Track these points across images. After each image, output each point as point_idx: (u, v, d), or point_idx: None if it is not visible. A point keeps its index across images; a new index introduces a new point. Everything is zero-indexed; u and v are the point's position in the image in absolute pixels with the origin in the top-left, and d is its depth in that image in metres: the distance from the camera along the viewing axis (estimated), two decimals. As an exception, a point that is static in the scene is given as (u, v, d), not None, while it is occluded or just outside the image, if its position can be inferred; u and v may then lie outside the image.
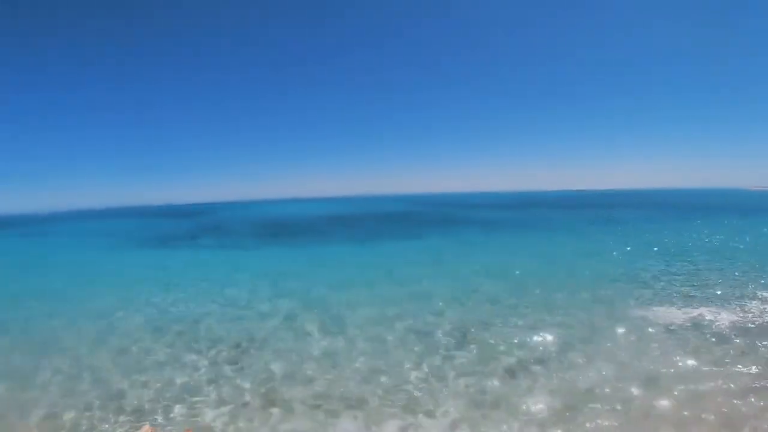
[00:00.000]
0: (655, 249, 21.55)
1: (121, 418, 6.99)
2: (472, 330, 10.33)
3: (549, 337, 9.68)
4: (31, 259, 31.62)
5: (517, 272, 16.70)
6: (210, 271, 21.42)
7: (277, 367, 8.73)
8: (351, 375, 8.30)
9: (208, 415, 7.00)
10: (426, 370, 8.35)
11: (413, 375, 8.15)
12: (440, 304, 12.77)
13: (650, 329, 9.94)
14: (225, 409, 7.23)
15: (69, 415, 7.15)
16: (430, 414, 6.78)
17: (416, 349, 9.39)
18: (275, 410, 7.11)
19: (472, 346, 9.44)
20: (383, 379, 8.05)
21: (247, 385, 8.03)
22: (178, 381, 8.32)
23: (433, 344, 9.65)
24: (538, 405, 6.85)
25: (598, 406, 6.73)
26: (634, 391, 7.16)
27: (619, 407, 6.66)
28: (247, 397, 7.59)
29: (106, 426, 6.80)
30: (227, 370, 8.77)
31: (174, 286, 16.87)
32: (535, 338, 9.71)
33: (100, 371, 8.94)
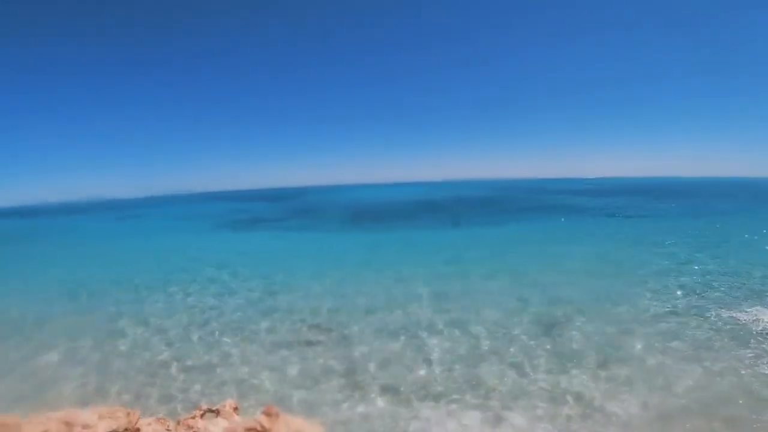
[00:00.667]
0: None
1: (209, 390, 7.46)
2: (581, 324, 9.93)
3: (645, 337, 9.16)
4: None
5: (628, 265, 15.58)
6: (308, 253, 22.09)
7: (363, 351, 8.91)
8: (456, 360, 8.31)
9: (293, 396, 7.26)
10: (510, 365, 8.19)
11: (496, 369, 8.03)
12: (538, 291, 12.40)
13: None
14: (307, 389, 7.53)
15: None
16: (511, 407, 6.75)
17: (514, 342, 9.21)
18: (359, 393, 7.31)
19: (569, 338, 9.18)
20: (461, 367, 8.05)
21: (333, 365, 8.38)
22: (273, 362, 8.67)
23: (521, 335, 9.45)
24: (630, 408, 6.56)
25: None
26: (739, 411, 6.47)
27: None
28: (329, 379, 7.85)
29: (196, 393, 7.25)
30: (309, 350, 9.06)
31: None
32: (630, 339, 9.12)
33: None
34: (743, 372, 7.39)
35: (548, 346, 8.77)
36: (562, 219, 32.29)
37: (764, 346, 8.28)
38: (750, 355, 7.94)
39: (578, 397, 6.87)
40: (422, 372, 7.99)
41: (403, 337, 9.54)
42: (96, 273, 18.38)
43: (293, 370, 8.22)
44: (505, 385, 7.41)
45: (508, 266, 15.91)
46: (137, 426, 3.30)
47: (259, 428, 3.94)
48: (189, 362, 8.81)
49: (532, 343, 8.99)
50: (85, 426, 3.14)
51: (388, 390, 7.37)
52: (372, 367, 8.24)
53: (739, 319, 9.64)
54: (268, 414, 4.03)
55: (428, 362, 8.38)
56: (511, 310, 10.99)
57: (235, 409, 3.76)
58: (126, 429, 3.22)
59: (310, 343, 9.42)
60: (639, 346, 8.57)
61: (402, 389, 7.40)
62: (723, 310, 10.21)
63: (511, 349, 8.71)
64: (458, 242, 23.55)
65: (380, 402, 7.03)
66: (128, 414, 3.26)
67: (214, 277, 16.09)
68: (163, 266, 19.31)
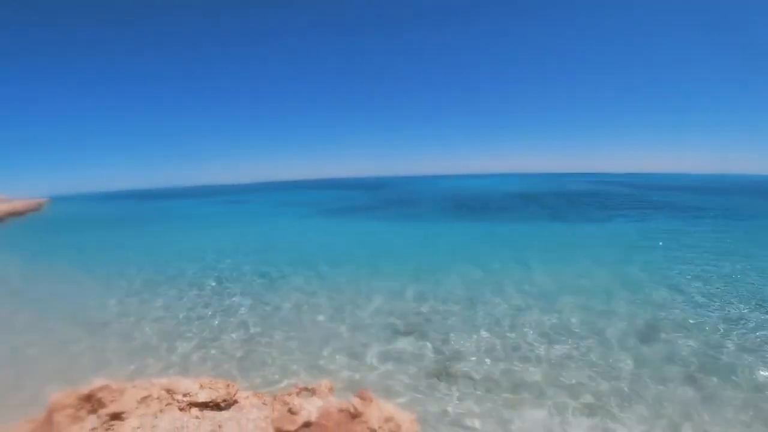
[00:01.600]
0: None
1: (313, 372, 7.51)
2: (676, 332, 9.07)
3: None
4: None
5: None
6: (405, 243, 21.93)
7: (463, 345, 8.62)
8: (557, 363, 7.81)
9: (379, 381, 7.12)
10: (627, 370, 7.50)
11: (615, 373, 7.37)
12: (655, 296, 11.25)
13: None
14: (401, 378, 7.37)
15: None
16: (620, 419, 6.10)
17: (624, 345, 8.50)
18: (452, 388, 7.04)
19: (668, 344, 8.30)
20: (576, 372, 7.45)
21: (428, 354, 8.25)
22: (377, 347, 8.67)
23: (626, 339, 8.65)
24: None
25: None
26: None
27: None
28: (422, 370, 7.63)
29: (292, 371, 7.29)
30: (407, 339, 8.90)
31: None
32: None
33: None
34: None
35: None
36: (676, 218, 28.16)
37: None
38: None
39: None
40: (523, 370, 7.49)
41: (504, 333, 9.03)
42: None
43: (388, 358, 8.12)
44: (603, 387, 6.79)
45: (623, 269, 14.23)
46: (235, 398, 3.28)
47: (352, 410, 3.84)
48: (293, 338, 9.11)
49: (629, 360, 8.09)
50: (186, 394, 3.16)
51: (485, 386, 7.00)
52: (471, 362, 7.90)
53: None
54: (362, 397, 3.91)
55: (527, 360, 7.86)
56: (626, 318, 9.93)
57: (330, 389, 3.64)
58: (224, 400, 3.22)
59: (408, 332, 9.26)
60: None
61: (501, 386, 6.98)
62: None
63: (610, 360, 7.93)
64: (562, 237, 22.01)
65: (476, 398, 6.67)
66: (228, 386, 3.25)
67: (311, 263, 16.15)
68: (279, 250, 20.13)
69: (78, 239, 27.91)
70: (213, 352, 8.66)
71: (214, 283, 13.78)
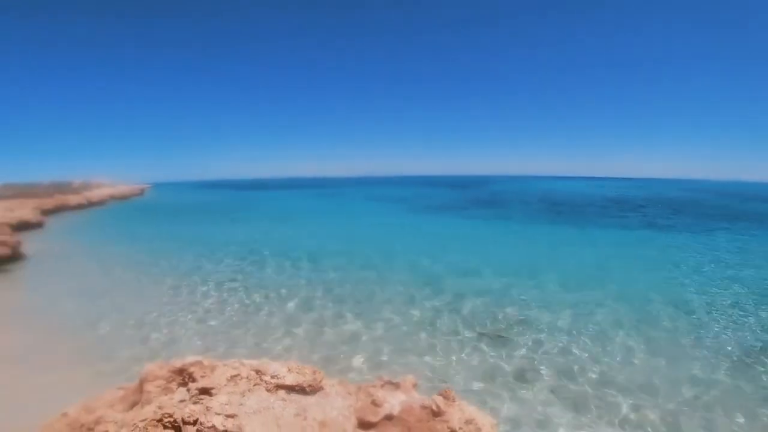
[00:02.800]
0: None
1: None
2: None
3: None
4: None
5: None
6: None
7: (552, 352, 8.26)
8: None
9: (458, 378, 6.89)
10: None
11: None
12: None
13: None
14: (485, 381, 7.14)
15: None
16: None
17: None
18: (537, 395, 6.73)
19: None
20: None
21: (513, 359, 7.92)
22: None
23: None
24: None
25: None
26: None
27: None
28: (506, 374, 7.39)
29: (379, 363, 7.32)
30: (496, 342, 8.62)
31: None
32: None
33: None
34: None
35: None
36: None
37: None
38: None
39: None
40: (610, 386, 6.96)
41: (595, 345, 8.46)
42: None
43: (473, 359, 7.90)
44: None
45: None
46: (321, 385, 3.23)
47: (434, 408, 3.69)
48: (377, 333, 9.15)
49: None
50: (274, 376, 3.14)
51: (572, 397, 6.59)
52: (553, 370, 7.49)
53: None
54: (444, 396, 3.75)
55: (612, 374, 7.33)
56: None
57: (414, 385, 3.51)
58: (310, 385, 3.17)
59: (498, 336, 8.94)
60: None
61: (587, 400, 6.54)
62: None
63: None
64: (665, 248, 19.60)
65: (561, 409, 6.28)
66: (314, 372, 3.21)
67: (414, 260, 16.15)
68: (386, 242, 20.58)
69: (196, 227, 29.93)
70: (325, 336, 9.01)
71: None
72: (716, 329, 9.28)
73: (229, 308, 10.75)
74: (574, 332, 9.05)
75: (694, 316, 10.07)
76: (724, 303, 11.03)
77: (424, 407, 3.46)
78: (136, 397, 3.79)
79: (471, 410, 3.90)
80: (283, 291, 12.09)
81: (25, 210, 29.75)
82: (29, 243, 18.58)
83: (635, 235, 23.66)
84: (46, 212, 35.28)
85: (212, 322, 9.83)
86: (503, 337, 8.87)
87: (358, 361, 7.81)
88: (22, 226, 25.38)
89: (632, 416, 6.08)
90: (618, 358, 7.88)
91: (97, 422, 3.29)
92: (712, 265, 15.47)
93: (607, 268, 14.85)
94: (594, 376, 7.24)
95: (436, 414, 3.53)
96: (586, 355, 8.03)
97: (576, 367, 7.51)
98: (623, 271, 14.53)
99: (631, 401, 6.44)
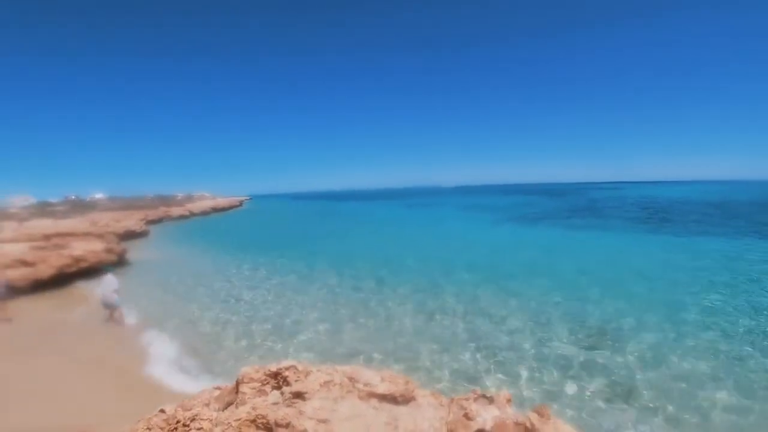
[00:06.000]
0: None
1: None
2: None
3: None
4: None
5: None
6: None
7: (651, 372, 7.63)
8: None
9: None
10: None
11: None
12: None
13: None
14: (578, 399, 6.79)
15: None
16: None
17: None
18: (636, 416, 6.22)
19: None
20: None
21: (613, 378, 7.40)
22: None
23: None
24: None
25: None
26: None
27: None
28: (602, 393, 6.92)
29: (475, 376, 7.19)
30: (587, 358, 8.21)
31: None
32: None
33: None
34: None
35: None
36: None
37: None
38: None
39: None
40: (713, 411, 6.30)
41: (700, 365, 7.69)
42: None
43: (571, 377, 7.47)
44: None
45: None
46: (413, 395, 3.16)
47: (528, 425, 3.48)
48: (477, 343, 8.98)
49: None
50: (367, 384, 3.12)
51: (672, 421, 6.05)
52: (654, 391, 6.89)
53: None
54: (540, 414, 3.52)
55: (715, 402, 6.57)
56: None
57: (509, 400, 3.33)
58: (402, 395, 3.12)
59: (587, 350, 8.50)
60: None
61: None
62: None
63: None
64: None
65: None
66: (407, 382, 3.15)
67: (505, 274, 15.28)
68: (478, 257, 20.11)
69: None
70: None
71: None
72: None
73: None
74: (662, 350, 8.33)
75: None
76: None
77: (518, 424, 3.27)
78: (231, 398, 3.95)
79: (566, 428, 3.64)
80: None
81: (131, 221, 32.90)
82: (134, 250, 20.45)
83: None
84: (150, 222, 38.78)
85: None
86: (595, 350, 8.37)
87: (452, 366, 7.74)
88: (128, 236, 28.08)
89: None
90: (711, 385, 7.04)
91: (193, 419, 3.44)
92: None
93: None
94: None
95: (530, 431, 3.33)
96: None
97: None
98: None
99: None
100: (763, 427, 5.84)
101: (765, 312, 10.27)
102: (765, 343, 8.58)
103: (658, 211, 42.80)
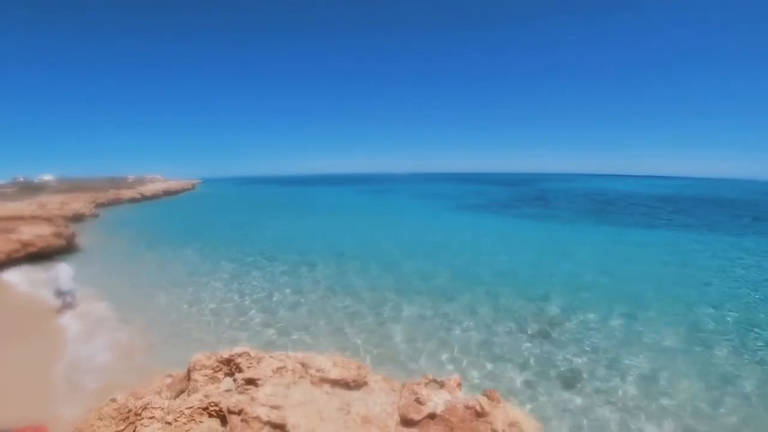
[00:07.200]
0: None
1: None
2: None
3: None
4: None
5: None
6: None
7: (594, 357, 7.98)
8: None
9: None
10: None
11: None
12: None
13: None
14: (531, 383, 7.00)
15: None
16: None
17: None
18: (584, 399, 6.50)
19: None
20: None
21: (560, 363, 7.68)
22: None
23: None
24: None
25: None
26: None
27: None
28: (552, 377, 7.22)
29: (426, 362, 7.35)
30: (539, 345, 8.44)
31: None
32: None
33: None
34: None
35: None
36: None
37: None
38: None
39: None
40: (661, 396, 6.60)
41: (639, 354, 8.01)
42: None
43: (513, 362, 7.69)
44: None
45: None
46: (365, 380, 3.20)
47: (478, 408, 3.60)
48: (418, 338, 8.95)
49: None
50: (319, 369, 3.14)
51: (620, 406, 6.29)
52: (601, 373, 7.23)
53: None
54: (489, 397, 3.64)
55: (660, 385, 6.92)
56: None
57: (459, 384, 3.43)
58: (355, 380, 3.15)
59: (538, 337, 8.76)
60: None
61: (627, 397, 6.33)
62: None
63: None
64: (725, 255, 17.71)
65: (608, 413, 6.06)
66: (359, 367, 3.19)
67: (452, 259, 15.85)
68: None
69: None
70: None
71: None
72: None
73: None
74: (608, 336, 8.79)
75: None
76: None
77: (468, 407, 3.37)
78: (183, 385, 3.88)
79: (516, 413, 3.77)
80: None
81: (79, 203, 31.39)
82: (83, 235, 19.52)
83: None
84: (100, 205, 37.11)
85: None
86: (544, 337, 8.67)
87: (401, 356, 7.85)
88: (77, 218, 26.83)
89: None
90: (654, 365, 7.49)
91: (144, 408, 3.37)
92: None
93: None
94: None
95: (480, 415, 3.43)
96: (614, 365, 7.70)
97: (620, 379, 7.21)
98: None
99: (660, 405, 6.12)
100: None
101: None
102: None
103: (605, 203, 44.50)
